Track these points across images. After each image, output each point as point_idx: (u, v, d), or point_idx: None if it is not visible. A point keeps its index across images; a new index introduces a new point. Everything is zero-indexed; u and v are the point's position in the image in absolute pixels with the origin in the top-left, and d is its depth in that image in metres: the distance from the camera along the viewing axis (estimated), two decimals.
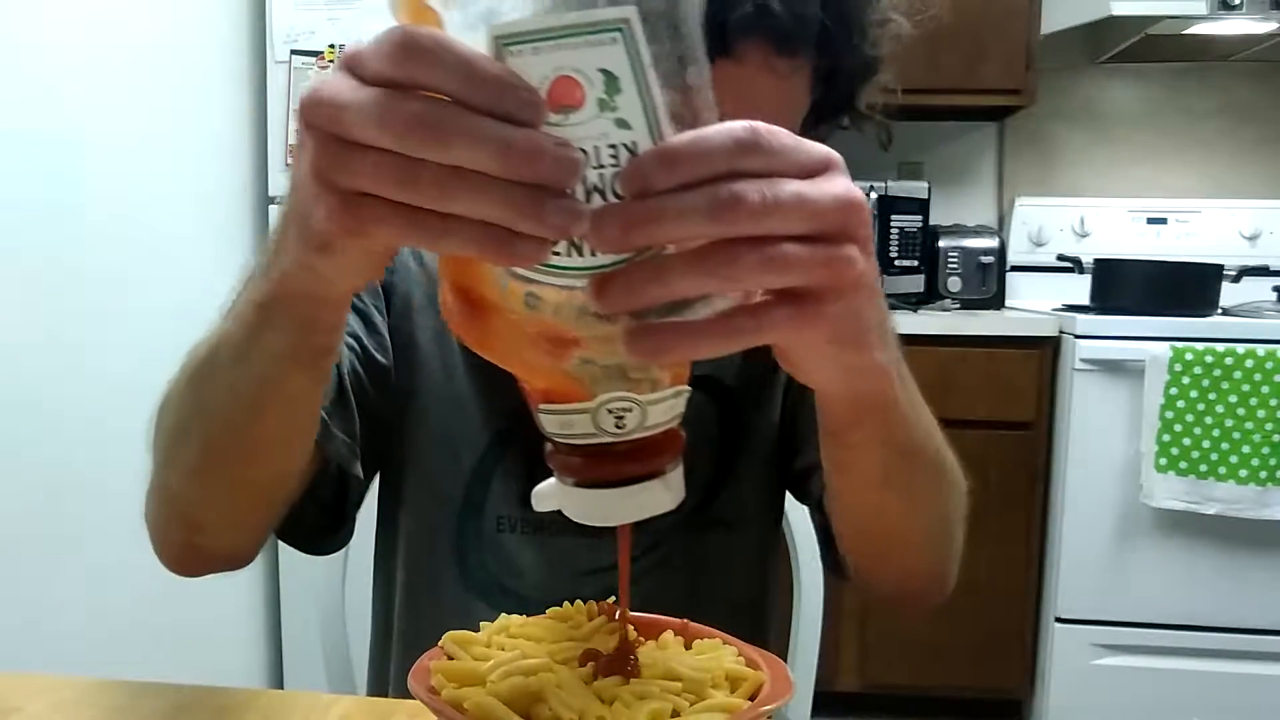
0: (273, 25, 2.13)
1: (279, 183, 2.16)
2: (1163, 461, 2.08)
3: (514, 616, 0.51)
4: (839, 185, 0.37)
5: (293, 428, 0.57)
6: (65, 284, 1.65)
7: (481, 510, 0.80)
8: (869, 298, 0.40)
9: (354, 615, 1.01)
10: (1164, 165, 2.77)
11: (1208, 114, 2.74)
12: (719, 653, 0.49)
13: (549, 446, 0.43)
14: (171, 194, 1.93)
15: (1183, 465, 2.08)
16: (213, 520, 0.64)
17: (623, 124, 0.34)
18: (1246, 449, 2.05)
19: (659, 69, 0.34)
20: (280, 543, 0.72)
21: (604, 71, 0.34)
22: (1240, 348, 2.05)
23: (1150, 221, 2.69)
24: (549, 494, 0.46)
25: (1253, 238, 2.64)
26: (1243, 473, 2.05)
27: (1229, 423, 2.05)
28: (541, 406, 0.41)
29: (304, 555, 0.77)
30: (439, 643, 0.49)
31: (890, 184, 2.49)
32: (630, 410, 0.40)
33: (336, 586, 1.02)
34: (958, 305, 2.51)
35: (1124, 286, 2.35)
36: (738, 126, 0.35)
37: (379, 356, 0.78)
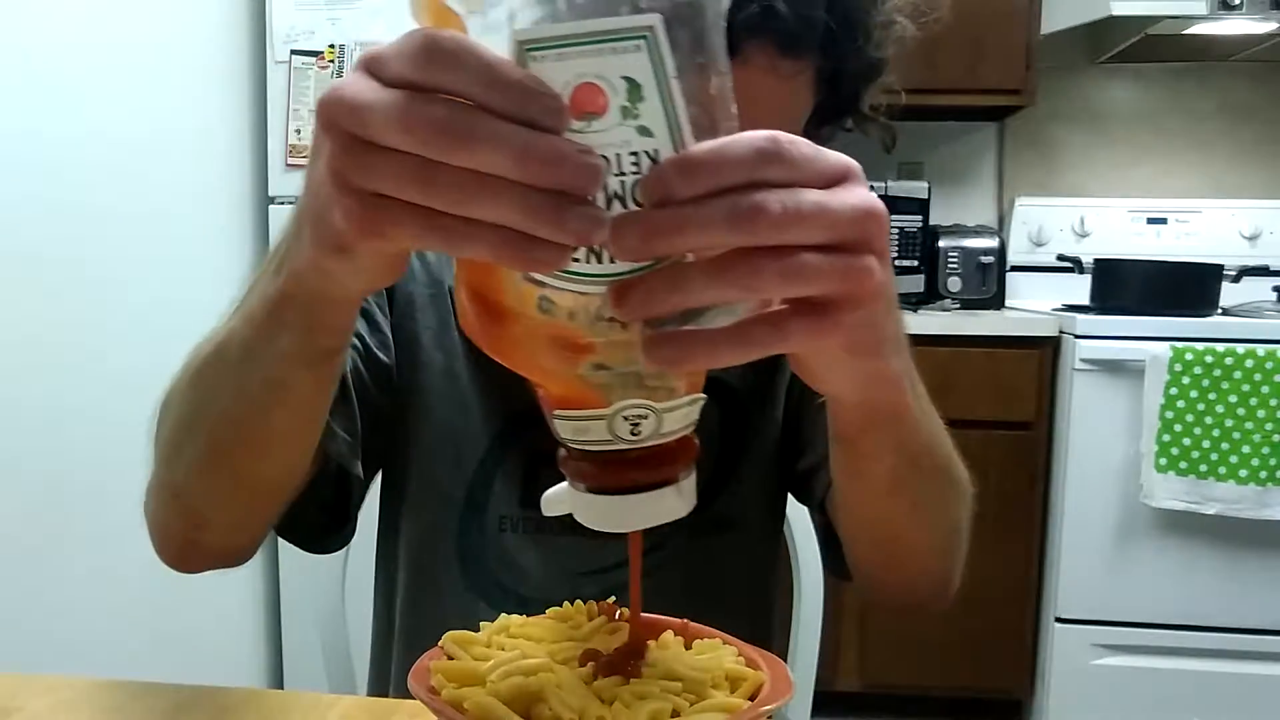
0: (273, 25, 2.13)
1: (279, 183, 2.16)
2: (1163, 461, 2.08)
3: (514, 616, 0.51)
4: (858, 195, 0.37)
5: (298, 427, 0.57)
6: (65, 284, 1.65)
7: (483, 510, 0.80)
8: (886, 307, 0.41)
9: (354, 615, 1.01)
10: (1164, 165, 2.77)
11: (1208, 114, 2.74)
12: (719, 653, 0.49)
13: (562, 452, 0.43)
14: (171, 194, 1.93)
15: (1183, 465, 2.08)
16: (214, 517, 0.63)
17: (645, 132, 0.34)
18: (1246, 449, 2.05)
19: (682, 77, 0.34)
20: (280, 543, 0.72)
21: (627, 79, 0.34)
22: (1240, 348, 2.05)
23: (1150, 221, 2.69)
24: (560, 499, 0.46)
25: (1253, 238, 2.64)
26: (1243, 473, 2.05)
27: (1229, 423, 2.05)
28: (556, 412, 0.41)
29: (304, 555, 0.77)
30: (439, 643, 0.49)
31: (890, 184, 2.49)
32: (646, 417, 0.40)
33: (336, 586, 1.02)
34: (958, 305, 2.51)
35: (1124, 286, 2.35)
36: (759, 136, 0.35)
37: (381, 355, 0.78)
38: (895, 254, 2.48)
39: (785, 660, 0.58)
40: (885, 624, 2.29)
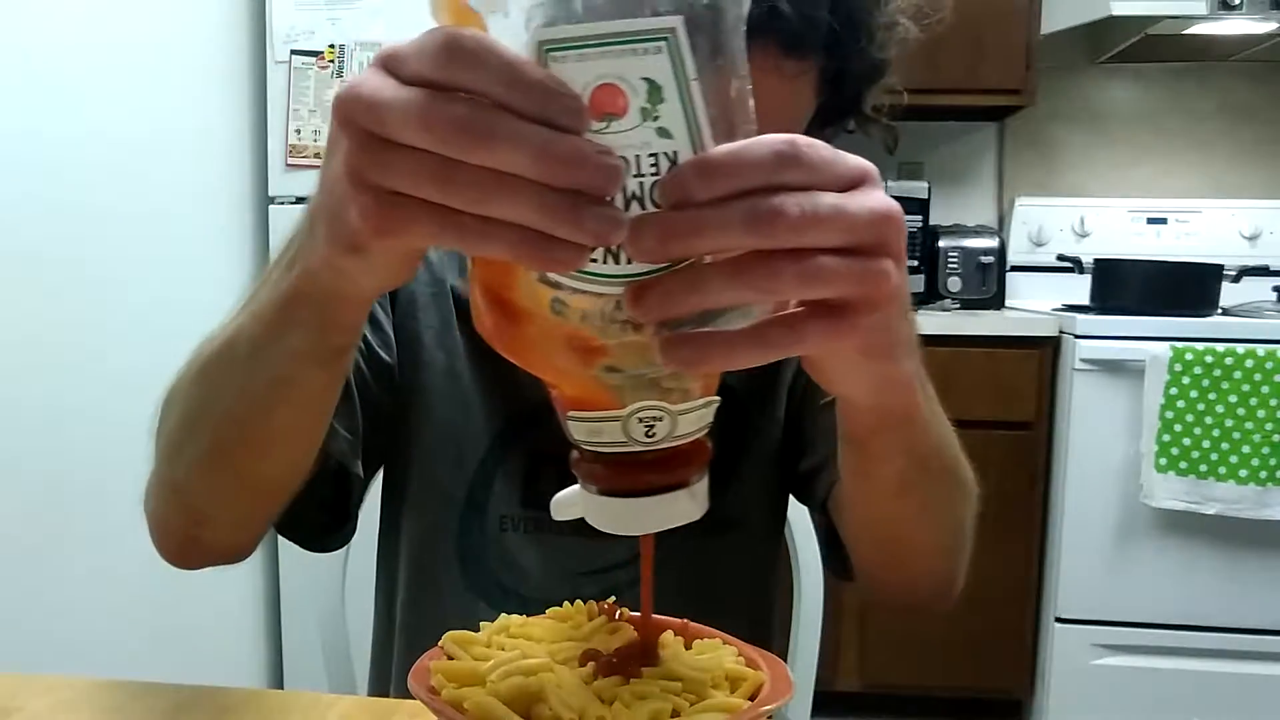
0: (273, 25, 2.13)
1: (279, 183, 2.16)
2: (1163, 461, 2.08)
3: (514, 616, 0.51)
4: (876, 199, 0.37)
5: (304, 425, 0.57)
6: (65, 284, 1.65)
7: (484, 510, 0.80)
8: (900, 311, 0.41)
9: (354, 615, 1.01)
10: (1164, 165, 2.77)
11: (1207, 114, 2.74)
12: (719, 653, 0.49)
13: (574, 454, 0.43)
14: (171, 194, 1.93)
15: (1183, 465, 2.08)
16: (215, 514, 0.63)
17: (664, 133, 0.34)
18: (1246, 449, 2.05)
19: (702, 79, 0.34)
20: (280, 543, 0.72)
21: (648, 80, 0.34)
22: (1240, 348, 2.05)
23: (1150, 221, 2.69)
24: (571, 502, 0.46)
25: (1253, 238, 2.64)
26: (1243, 473, 2.05)
27: (1229, 423, 2.05)
28: (570, 414, 0.41)
29: (304, 554, 0.77)
30: (439, 643, 0.49)
31: (890, 184, 2.49)
32: (661, 419, 0.40)
33: (336, 586, 1.02)
34: (958, 305, 2.51)
35: (1124, 286, 2.35)
36: (778, 139, 0.35)
37: (383, 354, 0.78)
38: None
39: (785, 660, 0.58)
40: (885, 624, 2.29)
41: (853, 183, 0.37)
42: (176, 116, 1.95)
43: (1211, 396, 2.06)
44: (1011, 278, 2.66)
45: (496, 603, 0.79)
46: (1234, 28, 2.40)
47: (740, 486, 0.81)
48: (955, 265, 2.53)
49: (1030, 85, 2.45)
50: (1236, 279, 2.46)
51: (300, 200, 2.11)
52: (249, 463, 0.58)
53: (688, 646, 0.50)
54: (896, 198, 0.38)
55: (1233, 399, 2.05)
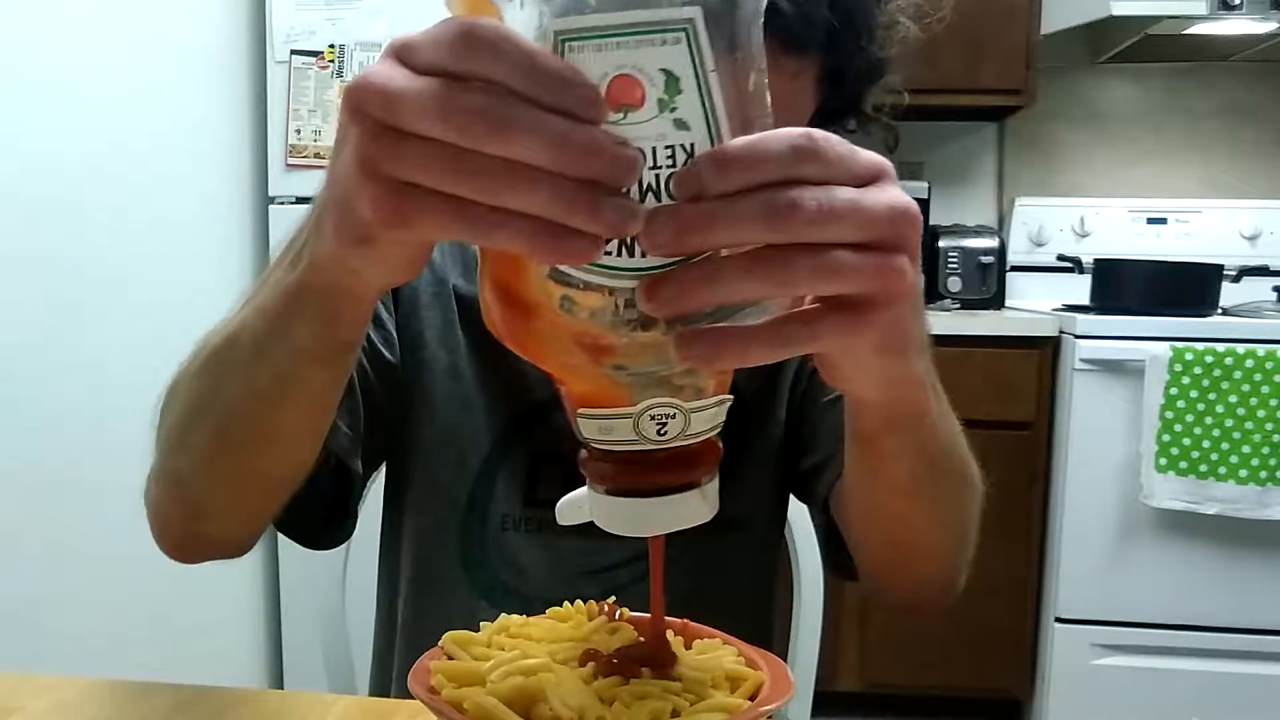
0: (273, 25, 2.13)
1: (279, 183, 2.16)
2: (1163, 461, 2.08)
3: (514, 616, 0.51)
4: (892, 195, 0.37)
5: (308, 421, 0.57)
6: (65, 284, 1.65)
7: (486, 509, 0.80)
8: (914, 309, 0.41)
9: (354, 614, 1.01)
10: (1164, 165, 2.77)
11: (1208, 114, 2.74)
12: (719, 653, 0.49)
13: (583, 453, 0.42)
14: (172, 194, 1.93)
15: (1183, 465, 2.08)
16: (216, 507, 0.63)
17: (681, 125, 0.34)
18: (1246, 449, 2.05)
19: (720, 71, 0.34)
20: (281, 542, 0.72)
21: (665, 71, 0.33)
22: (1240, 348, 2.05)
23: (1150, 221, 2.69)
24: (576, 507, 0.45)
25: (1253, 238, 2.64)
26: (1243, 473, 2.05)
27: (1229, 423, 2.05)
28: (580, 410, 0.40)
29: (305, 554, 0.77)
30: (439, 643, 0.49)
31: None
32: (673, 417, 0.39)
33: (337, 586, 1.02)
34: (958, 305, 2.51)
35: (1124, 286, 2.35)
36: (795, 133, 0.35)
37: (385, 352, 0.78)
38: None
39: (785, 660, 0.58)
40: (885, 624, 2.29)
41: (869, 178, 0.37)
42: (176, 116, 1.95)
43: (1211, 396, 2.06)
44: (1011, 278, 2.66)
45: (498, 602, 0.79)
46: (1234, 28, 2.40)
47: (741, 487, 0.81)
48: (955, 265, 2.53)
49: (1030, 85, 2.45)
50: (1236, 279, 2.47)
51: (300, 200, 2.12)
52: (250, 458, 0.58)
53: (688, 646, 0.50)
54: None
55: (1233, 399, 2.05)
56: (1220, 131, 2.74)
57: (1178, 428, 2.07)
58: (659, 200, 0.35)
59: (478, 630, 0.50)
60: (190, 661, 1.93)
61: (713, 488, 0.43)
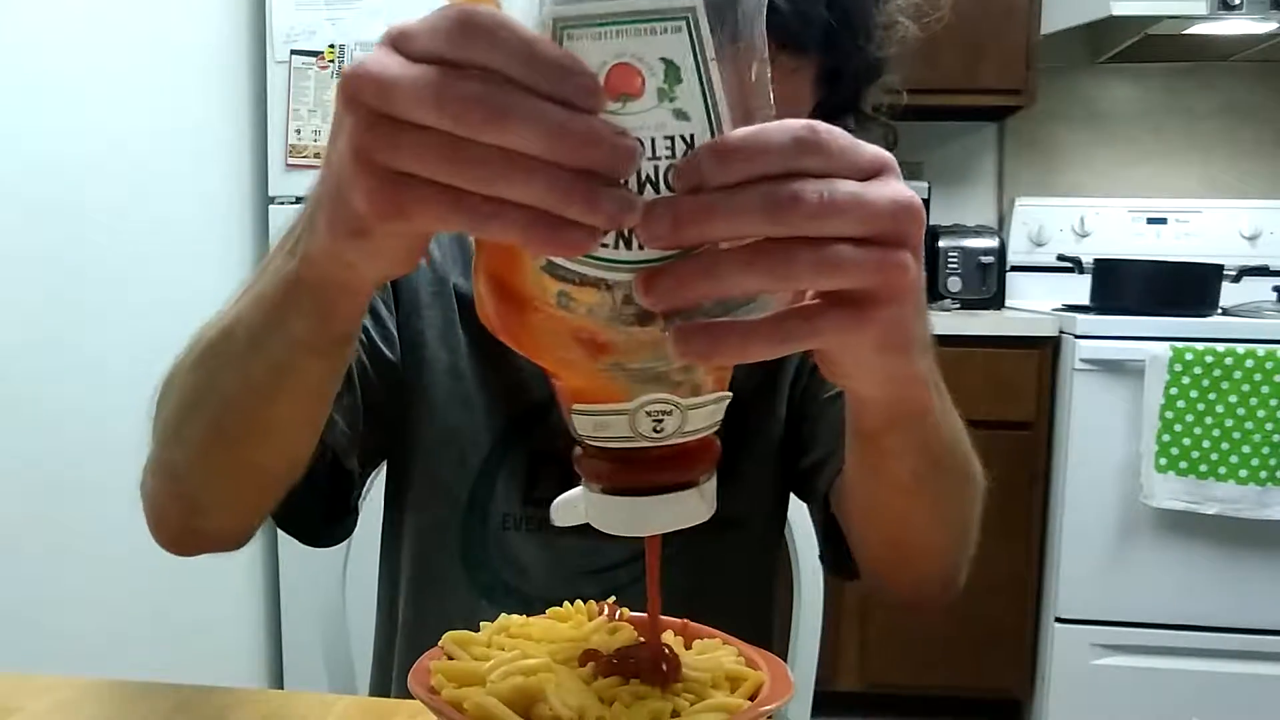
0: (273, 25, 2.13)
1: (279, 183, 2.16)
2: (1163, 461, 2.08)
3: (514, 616, 0.51)
4: (895, 189, 0.36)
5: (303, 414, 0.57)
6: (65, 284, 1.65)
7: (486, 508, 0.80)
8: (916, 306, 0.40)
9: (355, 614, 1.01)
10: (1164, 165, 2.77)
11: (1208, 114, 2.74)
12: (719, 653, 0.49)
13: (578, 450, 0.42)
14: (171, 194, 1.93)
15: (1183, 465, 2.08)
16: (211, 500, 0.63)
17: (681, 115, 0.34)
18: (1246, 449, 2.05)
19: (721, 61, 0.33)
20: (280, 542, 0.72)
21: (665, 60, 0.33)
22: (1240, 348, 2.05)
23: (1150, 221, 2.69)
24: (571, 507, 0.45)
25: (1253, 238, 2.64)
26: (1243, 473, 2.05)
27: (1229, 423, 2.05)
28: (575, 406, 0.39)
29: (305, 554, 0.77)
30: (439, 643, 0.48)
31: None
32: (670, 413, 0.38)
33: (337, 585, 1.02)
34: (958, 305, 2.51)
35: (1124, 286, 2.35)
36: (797, 125, 0.34)
37: (385, 350, 0.78)
38: None
39: (785, 660, 0.57)
40: (885, 624, 2.29)
41: (872, 172, 0.36)
42: (176, 116, 1.95)
43: (1211, 396, 2.06)
44: (1011, 278, 2.65)
45: (498, 601, 0.79)
46: (1234, 28, 2.40)
47: (741, 486, 0.81)
48: (955, 265, 2.53)
49: (1030, 85, 2.45)
50: (1236, 279, 2.47)
51: (300, 200, 2.11)
52: (245, 450, 0.58)
53: (688, 646, 0.50)
54: None
55: (1233, 399, 2.05)
56: (1220, 131, 2.74)
57: (1178, 428, 2.07)
58: (658, 192, 0.34)
59: (478, 630, 0.50)
60: (190, 661, 1.93)
61: (711, 487, 0.42)
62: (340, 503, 0.76)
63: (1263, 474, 2.04)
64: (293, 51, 2.12)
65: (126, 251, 1.78)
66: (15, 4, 1.55)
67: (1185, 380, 2.06)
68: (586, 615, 0.52)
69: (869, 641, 2.31)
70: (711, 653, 0.49)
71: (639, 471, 0.40)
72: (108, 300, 1.73)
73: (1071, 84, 2.76)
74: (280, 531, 0.74)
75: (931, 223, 2.57)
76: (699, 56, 0.33)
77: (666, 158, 0.34)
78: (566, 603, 0.53)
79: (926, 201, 2.54)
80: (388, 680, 0.86)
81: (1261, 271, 2.51)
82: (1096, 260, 2.47)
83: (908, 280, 0.37)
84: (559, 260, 0.35)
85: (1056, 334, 2.24)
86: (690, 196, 0.34)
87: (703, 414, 0.39)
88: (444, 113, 0.32)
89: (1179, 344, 2.07)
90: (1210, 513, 2.08)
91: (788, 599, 1.04)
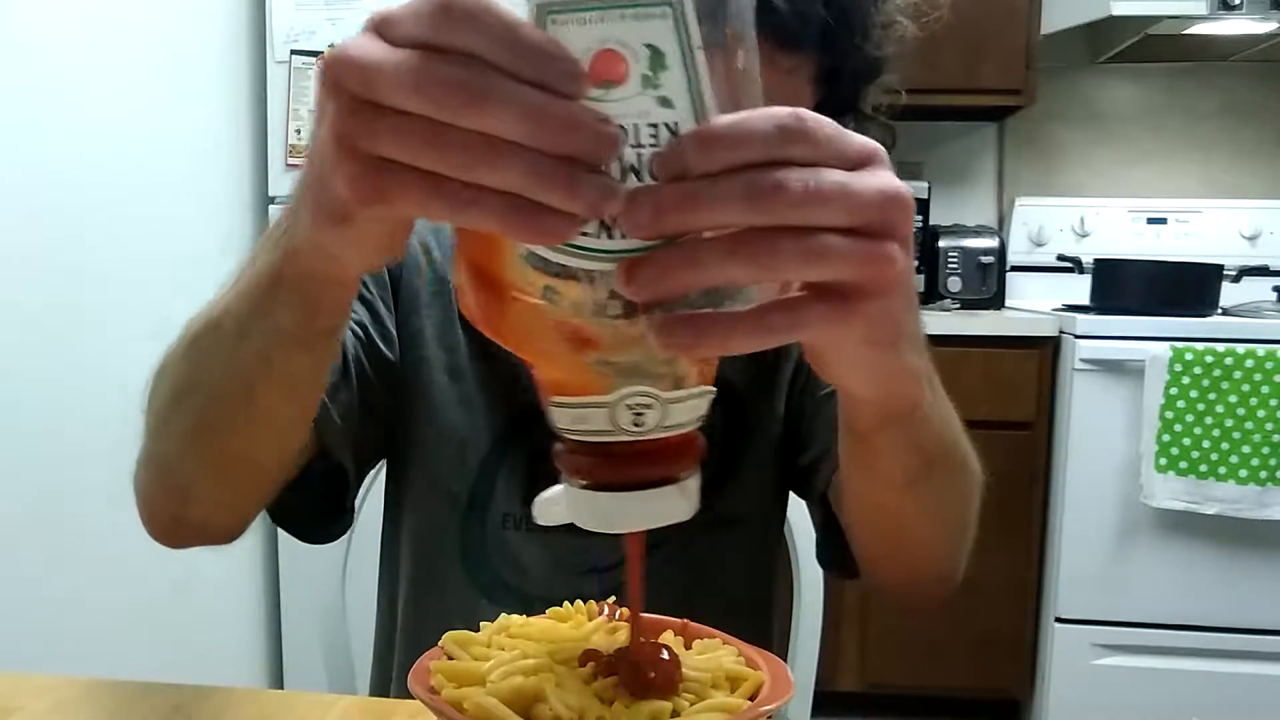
0: (273, 25, 2.13)
1: (279, 183, 2.16)
2: (1163, 461, 2.08)
3: (514, 616, 0.51)
4: (883, 179, 0.36)
5: (291, 407, 0.57)
6: (65, 284, 1.65)
7: (486, 508, 0.80)
8: (906, 300, 0.39)
9: (354, 614, 1.01)
10: (1164, 165, 2.77)
11: (1208, 114, 2.74)
12: (719, 653, 0.49)
13: (558, 445, 0.41)
14: (171, 194, 1.93)
15: (1183, 465, 2.08)
16: (203, 493, 0.62)
17: (665, 103, 0.33)
18: (1246, 449, 2.05)
19: (707, 49, 0.33)
20: (280, 542, 0.72)
21: (650, 47, 0.32)
22: (1240, 348, 2.05)
23: (1150, 221, 2.69)
24: (553, 504, 0.44)
25: (1253, 238, 2.64)
26: (1243, 473, 2.05)
27: (1229, 423, 2.05)
28: (554, 399, 0.39)
29: (304, 553, 0.77)
30: (439, 643, 0.48)
31: None
32: (650, 407, 0.37)
33: (337, 585, 1.02)
34: (958, 305, 2.51)
35: (1124, 286, 2.35)
36: (782, 112, 0.34)
37: (384, 349, 0.78)
38: None
39: (785, 660, 0.57)
40: (885, 624, 2.29)
41: (860, 161, 0.36)
42: (177, 116, 1.95)
43: (1211, 396, 2.06)
44: (1011, 278, 2.65)
45: (498, 600, 0.79)
46: (1234, 28, 2.40)
47: (741, 484, 0.81)
48: (955, 265, 2.53)
49: (1030, 85, 2.45)
50: (1236, 279, 2.47)
51: None
52: (233, 442, 0.58)
53: (688, 646, 0.50)
54: None
55: (1233, 399, 2.05)
56: (1220, 131, 2.74)
57: (1178, 428, 2.07)
58: (640, 180, 0.34)
59: (478, 629, 0.50)
60: (190, 661, 1.92)
61: (693, 484, 0.41)
62: (335, 501, 0.76)
63: (1263, 474, 2.04)
64: (293, 52, 2.12)
65: (126, 251, 1.78)
66: (16, 4, 1.55)
67: (1185, 380, 2.06)
68: (586, 615, 0.52)
69: (869, 641, 2.31)
70: (711, 653, 0.49)
71: (619, 466, 0.39)
72: (108, 300, 1.73)
73: (1071, 84, 2.76)
74: (280, 531, 0.74)
75: (931, 223, 2.57)
76: (685, 44, 0.32)
77: (650, 145, 0.33)
78: (566, 603, 0.53)
79: (926, 202, 2.54)
80: (388, 680, 0.86)
81: (1261, 271, 2.52)
82: (1096, 260, 2.47)
83: (895, 272, 0.36)
84: (540, 250, 0.35)
85: (1056, 334, 2.24)
86: (673, 184, 0.33)
87: (685, 408, 0.39)
88: (424, 97, 0.32)
89: (1179, 344, 2.07)
90: (1210, 513, 2.08)
91: (788, 599, 1.04)
